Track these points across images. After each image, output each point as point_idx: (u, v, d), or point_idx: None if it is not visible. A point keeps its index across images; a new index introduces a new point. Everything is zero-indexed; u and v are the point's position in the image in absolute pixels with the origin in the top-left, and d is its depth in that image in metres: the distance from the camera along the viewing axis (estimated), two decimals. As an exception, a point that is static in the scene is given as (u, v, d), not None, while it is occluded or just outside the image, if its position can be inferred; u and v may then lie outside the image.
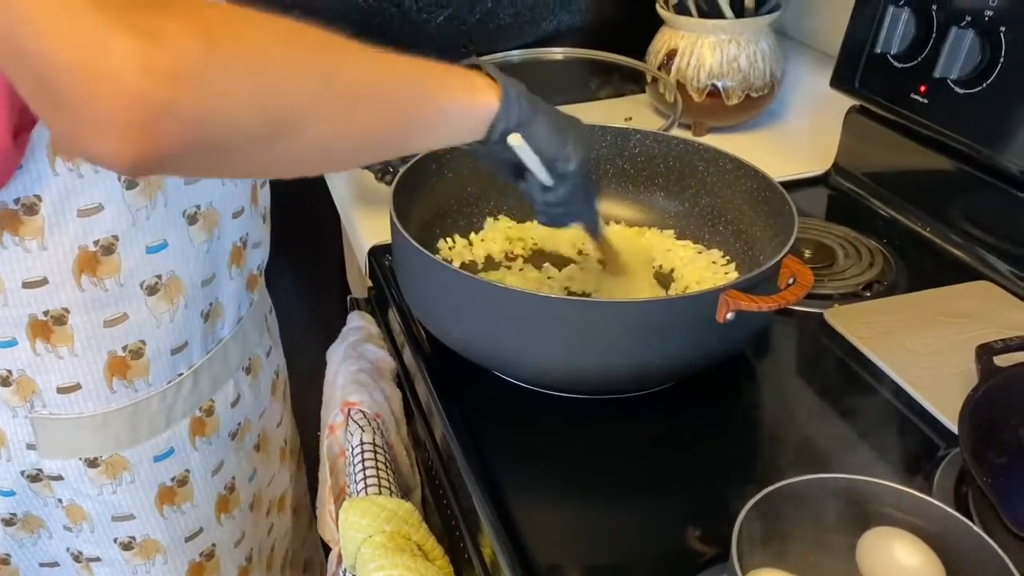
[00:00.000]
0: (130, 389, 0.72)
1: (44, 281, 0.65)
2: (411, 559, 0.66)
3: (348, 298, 1.05)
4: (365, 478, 0.76)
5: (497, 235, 0.93)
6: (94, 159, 0.43)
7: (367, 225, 1.04)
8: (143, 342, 0.72)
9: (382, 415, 0.85)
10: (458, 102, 0.62)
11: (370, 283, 1.02)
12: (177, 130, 0.42)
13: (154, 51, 0.40)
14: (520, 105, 0.65)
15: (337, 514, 0.76)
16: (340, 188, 1.17)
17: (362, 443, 0.79)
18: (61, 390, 0.70)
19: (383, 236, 0.99)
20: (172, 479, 0.78)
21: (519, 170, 0.71)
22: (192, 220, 0.71)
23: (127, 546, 0.78)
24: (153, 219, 0.68)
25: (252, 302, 0.84)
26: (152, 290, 0.70)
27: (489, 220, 0.95)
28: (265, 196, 0.84)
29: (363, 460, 0.78)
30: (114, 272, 0.67)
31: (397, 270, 0.83)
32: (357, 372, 0.89)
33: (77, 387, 0.70)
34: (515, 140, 0.66)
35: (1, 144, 0.57)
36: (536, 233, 0.94)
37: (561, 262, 0.92)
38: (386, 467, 0.78)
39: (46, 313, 0.67)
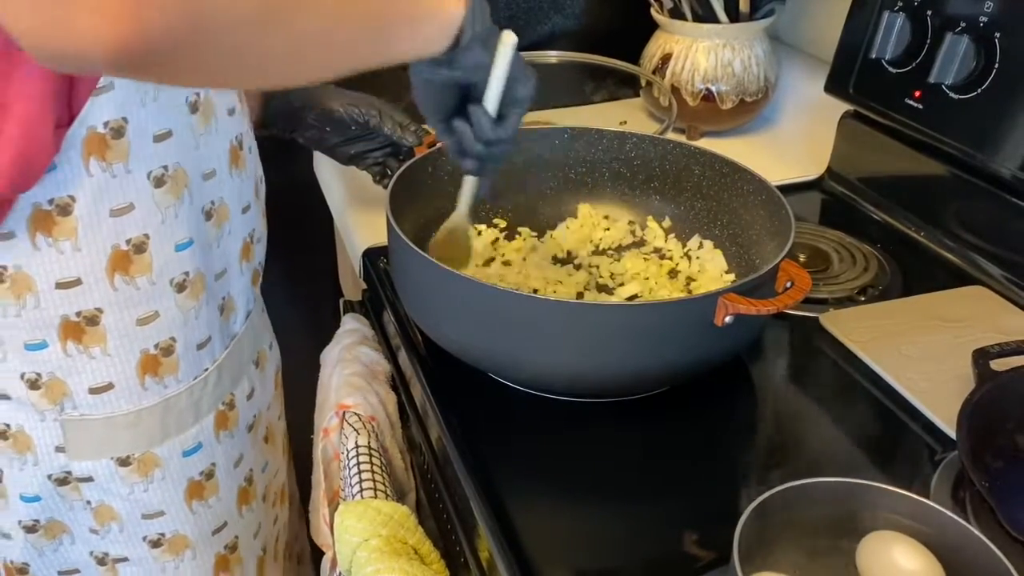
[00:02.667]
0: (160, 386, 0.73)
1: (78, 282, 0.65)
2: (407, 563, 0.66)
3: (341, 300, 1.05)
4: (360, 481, 0.75)
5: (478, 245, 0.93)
6: (79, 47, 0.41)
7: (361, 227, 1.04)
8: (173, 339, 0.72)
9: (377, 418, 0.85)
10: (428, 5, 0.61)
11: (364, 285, 1.01)
12: (164, 7, 0.42)
13: None
14: (484, 16, 0.63)
15: (331, 518, 0.75)
16: (334, 190, 1.16)
17: (357, 446, 0.79)
18: (93, 390, 0.70)
19: (378, 238, 0.99)
20: (200, 473, 0.78)
21: (462, 104, 0.68)
22: (208, 216, 0.72)
23: (156, 543, 0.78)
24: (180, 216, 0.69)
25: (255, 297, 0.85)
26: (181, 287, 0.71)
27: (480, 227, 0.95)
28: (263, 192, 0.84)
29: (358, 463, 0.77)
30: (146, 271, 0.68)
31: (393, 272, 0.83)
32: (351, 375, 0.88)
33: (109, 387, 0.70)
34: (509, 37, 0.64)
35: (42, 136, 0.57)
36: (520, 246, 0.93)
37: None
38: (381, 470, 0.78)
39: (79, 314, 0.67)
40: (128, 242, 0.66)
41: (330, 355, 0.94)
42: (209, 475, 0.79)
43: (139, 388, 0.72)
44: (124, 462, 0.74)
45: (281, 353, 0.97)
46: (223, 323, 0.77)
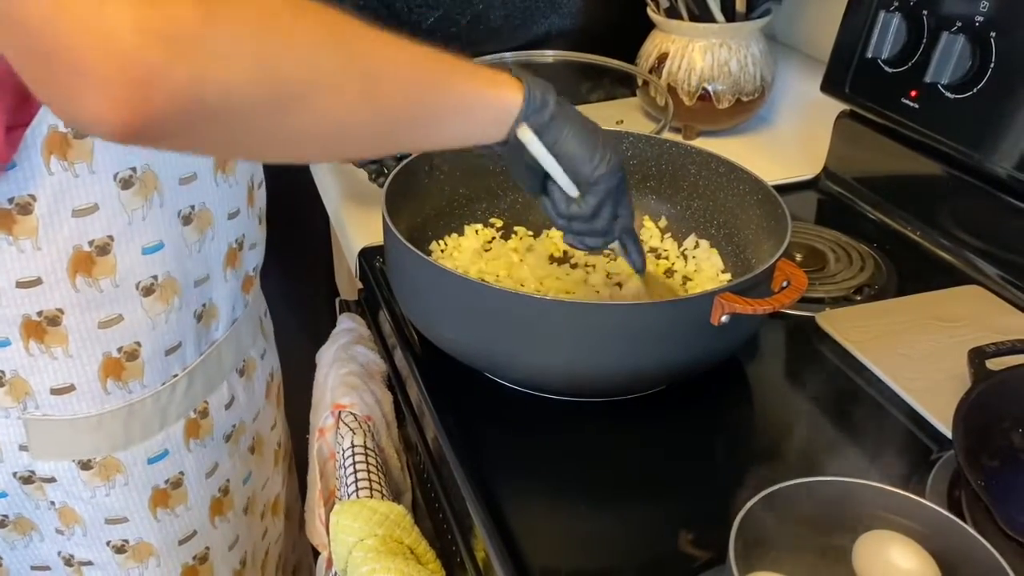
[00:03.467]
0: (124, 390, 0.72)
1: (38, 281, 0.65)
2: (403, 563, 0.65)
3: (338, 300, 1.05)
4: (356, 481, 0.75)
5: (474, 244, 0.92)
6: (88, 122, 0.41)
7: (357, 226, 1.04)
8: (138, 343, 0.71)
9: (373, 418, 0.84)
10: (480, 93, 0.59)
11: (360, 285, 1.01)
12: (171, 92, 0.41)
13: (150, 11, 0.39)
14: (545, 105, 0.62)
15: (327, 518, 0.75)
16: (330, 189, 1.16)
17: (352, 446, 0.79)
18: (55, 391, 0.69)
19: (373, 237, 0.99)
20: (166, 481, 0.77)
21: (544, 180, 0.68)
22: (187, 220, 0.71)
23: (120, 549, 0.77)
24: (149, 219, 0.67)
25: (247, 304, 0.83)
26: (148, 291, 0.69)
27: (476, 226, 0.95)
28: (261, 197, 0.84)
29: (354, 463, 0.77)
30: (109, 272, 0.67)
31: (389, 271, 0.83)
32: (347, 374, 0.88)
33: (71, 388, 0.70)
34: (524, 134, 0.62)
35: None
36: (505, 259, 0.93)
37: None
38: (377, 470, 0.77)
39: (40, 313, 0.66)
40: (91, 243, 0.65)
41: (326, 355, 0.94)
42: (176, 484, 0.78)
43: (101, 391, 0.71)
44: (86, 465, 0.73)
45: (279, 353, 0.97)
46: (200, 329, 0.76)
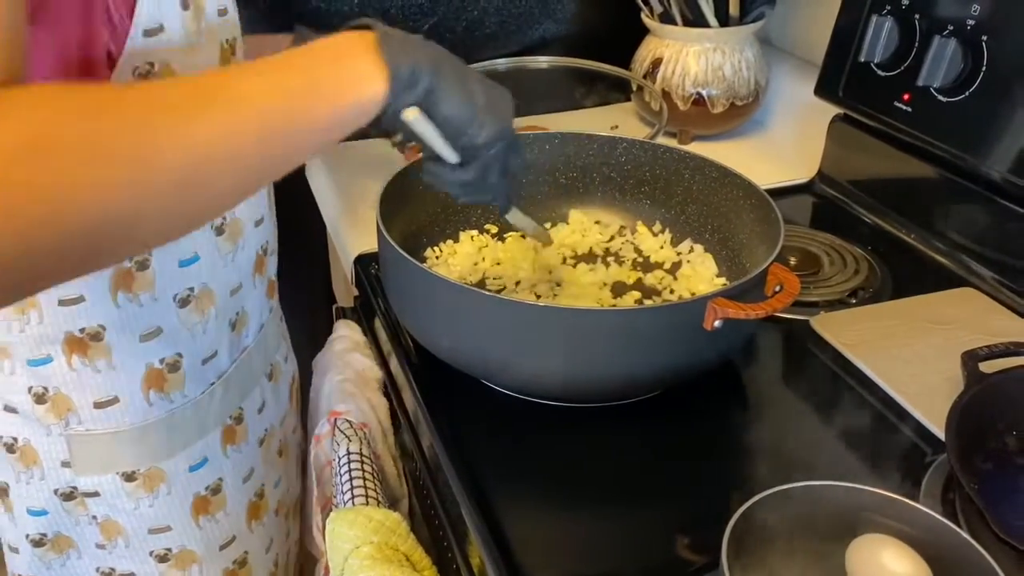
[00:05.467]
0: (166, 400, 0.73)
1: (81, 299, 0.65)
2: (399, 570, 0.66)
3: (334, 307, 1.05)
4: (352, 488, 0.75)
5: (470, 249, 0.93)
6: None
7: (353, 233, 1.04)
8: (180, 355, 0.72)
9: (368, 425, 0.85)
10: (337, 107, 0.54)
11: (356, 292, 1.01)
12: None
13: None
14: (414, 83, 0.57)
15: (324, 525, 0.75)
16: (326, 196, 1.16)
17: (348, 453, 0.79)
18: (98, 405, 0.70)
19: (369, 244, 0.99)
20: (207, 488, 0.78)
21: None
22: (219, 231, 0.72)
23: (163, 558, 0.78)
24: None
25: (271, 309, 0.85)
26: (184, 302, 0.70)
27: (471, 232, 0.95)
28: (273, 202, 0.84)
29: (350, 470, 0.77)
30: (148, 287, 0.67)
31: (384, 278, 0.83)
32: (343, 381, 0.88)
33: (115, 401, 0.70)
34: (409, 115, 0.59)
35: None
36: (504, 253, 0.93)
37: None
38: (373, 477, 0.77)
39: (82, 331, 0.67)
40: (131, 259, 0.65)
41: (322, 362, 0.94)
42: (216, 490, 0.79)
43: (144, 403, 0.71)
44: (130, 477, 0.73)
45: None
46: (233, 337, 0.77)
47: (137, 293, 0.67)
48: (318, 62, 0.54)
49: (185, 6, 0.61)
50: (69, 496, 0.73)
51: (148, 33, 0.58)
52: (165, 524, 0.77)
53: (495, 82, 0.65)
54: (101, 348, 0.68)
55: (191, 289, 0.70)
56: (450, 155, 0.64)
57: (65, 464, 0.71)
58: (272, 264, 0.83)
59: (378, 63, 0.55)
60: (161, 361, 0.71)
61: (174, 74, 0.60)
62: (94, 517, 0.75)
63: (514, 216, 0.78)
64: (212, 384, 0.76)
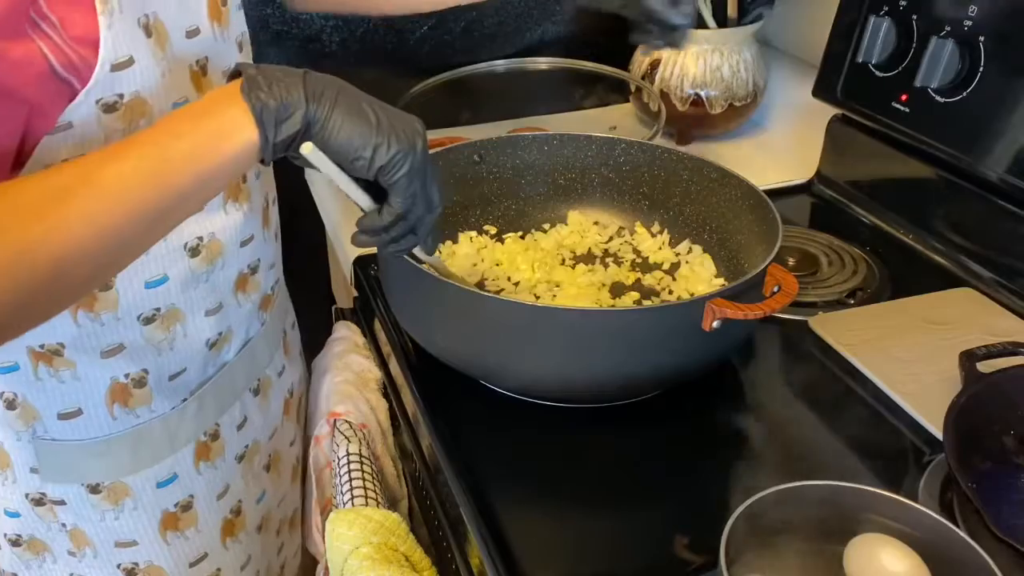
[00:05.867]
0: (132, 415, 0.71)
1: None
2: (399, 571, 0.66)
3: (333, 308, 1.05)
4: (351, 489, 0.75)
5: (469, 250, 0.93)
6: None
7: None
8: (145, 371, 0.70)
9: (368, 426, 0.85)
10: (210, 166, 0.53)
11: (355, 293, 1.01)
12: None
13: None
14: (286, 116, 0.54)
15: (323, 526, 0.75)
16: (325, 199, 1.16)
17: (348, 454, 0.79)
18: (62, 416, 0.69)
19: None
20: (176, 505, 0.77)
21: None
22: (194, 252, 0.69)
23: (131, 572, 0.77)
24: (153, 253, 0.66)
25: (263, 323, 0.81)
26: (148, 321, 0.69)
27: (470, 233, 0.95)
28: (275, 214, 0.82)
29: (349, 471, 0.77)
30: (111, 307, 0.66)
31: (383, 280, 0.83)
32: (342, 383, 0.88)
33: (79, 413, 0.69)
34: (305, 150, 0.56)
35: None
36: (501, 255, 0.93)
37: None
38: (372, 478, 0.78)
39: (42, 347, 0.66)
40: None
41: (321, 363, 0.94)
42: (186, 507, 0.77)
43: (108, 416, 0.70)
44: (94, 489, 0.73)
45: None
46: (210, 354, 0.75)
47: (99, 312, 0.66)
48: (188, 125, 0.54)
49: (148, 34, 0.60)
50: (39, 502, 0.72)
51: (116, 67, 0.57)
52: (131, 539, 0.76)
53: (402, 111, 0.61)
54: (64, 360, 0.67)
55: (157, 309, 0.69)
56: (359, 195, 0.61)
57: (33, 470, 0.71)
58: (266, 279, 0.80)
59: (243, 108, 0.54)
60: (126, 376, 0.69)
61: (145, 103, 0.60)
62: (63, 525, 0.74)
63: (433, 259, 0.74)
64: (184, 400, 0.74)
